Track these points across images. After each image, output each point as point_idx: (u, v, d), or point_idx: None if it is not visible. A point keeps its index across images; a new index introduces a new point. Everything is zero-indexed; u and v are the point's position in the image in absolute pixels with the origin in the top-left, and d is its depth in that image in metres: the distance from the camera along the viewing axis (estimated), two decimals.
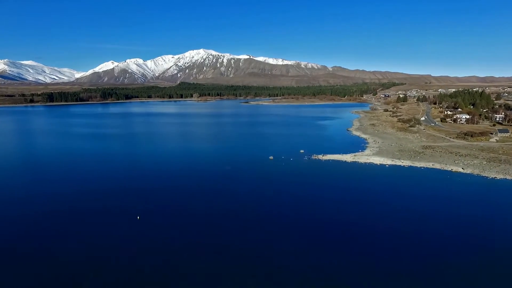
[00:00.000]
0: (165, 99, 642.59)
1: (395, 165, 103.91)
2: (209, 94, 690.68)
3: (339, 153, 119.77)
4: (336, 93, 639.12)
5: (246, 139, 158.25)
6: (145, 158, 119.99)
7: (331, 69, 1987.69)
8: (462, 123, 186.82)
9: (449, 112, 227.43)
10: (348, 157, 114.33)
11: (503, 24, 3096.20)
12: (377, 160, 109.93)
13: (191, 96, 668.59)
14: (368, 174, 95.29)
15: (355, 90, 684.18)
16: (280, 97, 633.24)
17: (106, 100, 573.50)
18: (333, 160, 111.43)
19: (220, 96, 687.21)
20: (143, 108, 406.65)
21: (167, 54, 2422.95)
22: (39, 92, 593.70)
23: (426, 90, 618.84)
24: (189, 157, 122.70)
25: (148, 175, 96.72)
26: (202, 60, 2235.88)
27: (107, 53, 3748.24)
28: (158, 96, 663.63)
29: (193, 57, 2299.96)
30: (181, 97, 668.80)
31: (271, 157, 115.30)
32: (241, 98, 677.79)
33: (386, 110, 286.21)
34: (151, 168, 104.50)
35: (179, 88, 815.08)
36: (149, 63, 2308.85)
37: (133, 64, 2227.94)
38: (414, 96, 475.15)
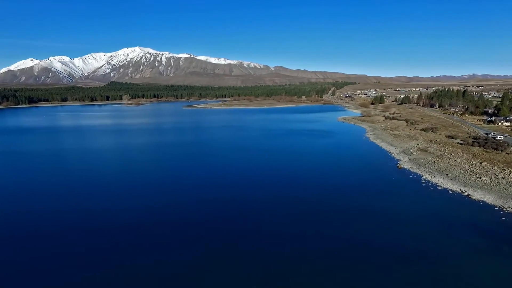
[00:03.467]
0: (86, 103, 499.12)
1: None
2: (143, 96, 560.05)
3: None
4: (290, 93, 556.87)
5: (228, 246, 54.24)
6: None
7: (273, 69, 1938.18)
8: None
9: (505, 123, 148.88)
10: None
11: (426, 29, 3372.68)
12: None
13: (121, 98, 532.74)
14: None
15: (309, 90, 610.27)
16: (230, 99, 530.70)
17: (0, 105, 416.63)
18: None
19: (158, 98, 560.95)
20: (33, 119, 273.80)
21: (98, 51, 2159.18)
22: None
23: (384, 89, 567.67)
24: None
25: None
26: (139, 59, 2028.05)
27: (26, 49, 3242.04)
28: (77, 99, 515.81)
29: (128, 55, 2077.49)
30: (108, 99, 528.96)
31: None
32: (183, 100, 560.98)
33: (390, 118, 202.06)
34: None
35: (107, 89, 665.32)
36: (77, 61, 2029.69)
37: (57, 62, 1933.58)
38: (385, 96, 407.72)
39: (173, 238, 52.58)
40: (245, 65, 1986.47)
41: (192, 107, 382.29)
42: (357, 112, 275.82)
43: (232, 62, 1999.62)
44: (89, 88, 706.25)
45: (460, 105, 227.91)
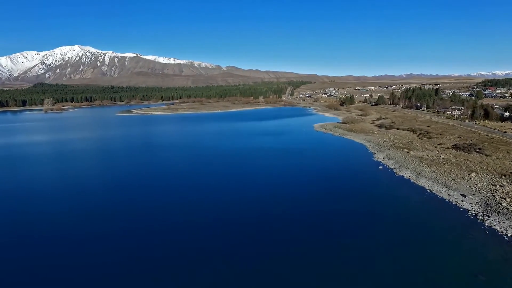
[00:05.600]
0: None
1: None
2: (72, 100, 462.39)
3: None
4: (246, 94, 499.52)
5: None
6: None
7: (225, 69, 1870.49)
8: None
9: None
10: None
11: (371, 32, 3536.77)
12: None
13: (42, 102, 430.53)
14: None
15: (265, 90, 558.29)
16: (178, 101, 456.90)
17: None
18: None
19: (90, 101, 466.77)
20: None
21: (29, 50, 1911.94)
22: None
23: (343, 88, 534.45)
24: None
25: None
26: (78, 58, 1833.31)
27: None
28: None
29: (65, 54, 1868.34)
30: (24, 104, 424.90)
31: None
32: (123, 103, 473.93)
33: (386, 127, 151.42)
34: None
35: (29, 91, 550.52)
36: (4, 61, 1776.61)
37: None
38: (347, 95, 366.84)
39: None
40: (196, 65, 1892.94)
41: (128, 112, 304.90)
42: (330, 116, 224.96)
43: (182, 62, 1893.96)
44: (6, 90, 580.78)
45: (452, 107, 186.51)
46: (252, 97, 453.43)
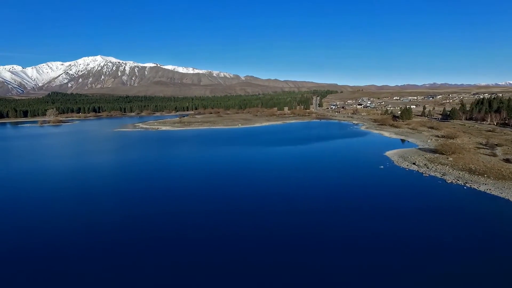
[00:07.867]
0: None
1: None
2: (79, 110, 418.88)
3: None
4: (268, 105, 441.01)
5: None
6: None
7: (244, 78, 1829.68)
8: None
9: None
10: None
11: (391, 39, 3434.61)
12: None
13: (45, 113, 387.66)
14: None
15: (289, 100, 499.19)
16: (193, 112, 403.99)
17: None
18: None
19: (97, 112, 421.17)
20: None
21: (54, 60, 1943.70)
22: None
23: (378, 98, 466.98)
24: None
25: None
26: (100, 68, 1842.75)
27: None
28: None
29: (88, 64, 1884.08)
30: (25, 115, 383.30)
31: None
32: (133, 114, 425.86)
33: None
34: None
35: (36, 102, 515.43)
36: (30, 71, 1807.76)
37: (6, 71, 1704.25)
38: (403, 107, 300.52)
39: None
40: (214, 74, 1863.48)
41: (132, 127, 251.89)
42: (393, 136, 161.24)
43: (201, 71, 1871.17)
44: (19, 99, 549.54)
45: None
46: (276, 108, 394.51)
